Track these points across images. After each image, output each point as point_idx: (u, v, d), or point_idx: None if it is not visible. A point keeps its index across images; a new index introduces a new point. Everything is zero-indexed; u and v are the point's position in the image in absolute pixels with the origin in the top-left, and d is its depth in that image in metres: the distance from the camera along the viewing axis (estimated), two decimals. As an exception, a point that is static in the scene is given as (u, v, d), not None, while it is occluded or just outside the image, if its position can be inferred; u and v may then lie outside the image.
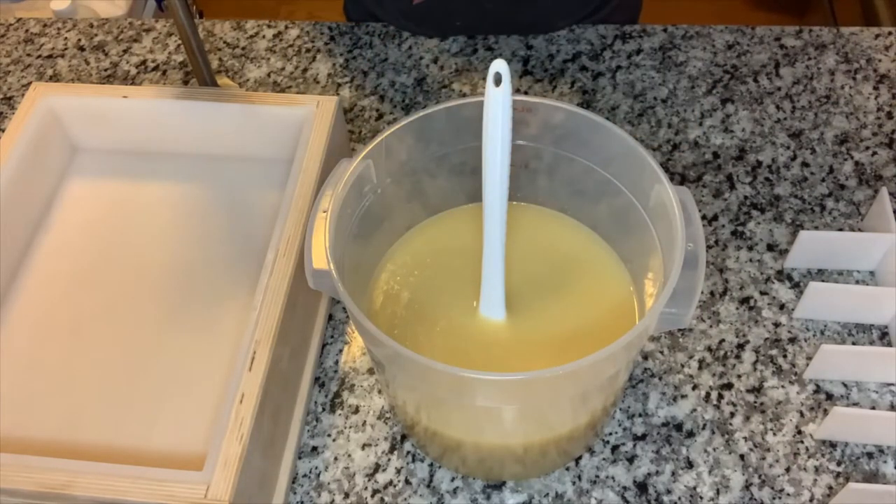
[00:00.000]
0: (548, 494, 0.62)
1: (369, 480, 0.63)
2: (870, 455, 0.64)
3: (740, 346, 0.69)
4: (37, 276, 0.72)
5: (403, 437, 0.65)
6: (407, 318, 0.62)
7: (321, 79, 0.91)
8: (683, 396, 0.67)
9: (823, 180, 0.80)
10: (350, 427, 0.66)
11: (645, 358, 0.69)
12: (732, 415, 0.66)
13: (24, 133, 0.73)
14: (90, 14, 1.49)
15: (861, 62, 0.89)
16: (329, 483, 0.63)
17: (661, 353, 0.69)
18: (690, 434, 0.65)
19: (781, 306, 0.72)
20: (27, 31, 0.98)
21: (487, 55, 0.91)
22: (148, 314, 0.69)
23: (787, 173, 0.80)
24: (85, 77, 0.92)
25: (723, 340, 0.70)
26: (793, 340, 0.70)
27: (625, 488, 0.63)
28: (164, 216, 0.75)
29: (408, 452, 0.65)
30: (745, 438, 0.65)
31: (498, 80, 0.51)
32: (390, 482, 0.63)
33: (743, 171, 0.81)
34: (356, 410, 0.67)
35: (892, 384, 0.67)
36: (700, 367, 0.68)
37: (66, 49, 0.96)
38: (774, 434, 0.65)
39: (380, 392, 0.68)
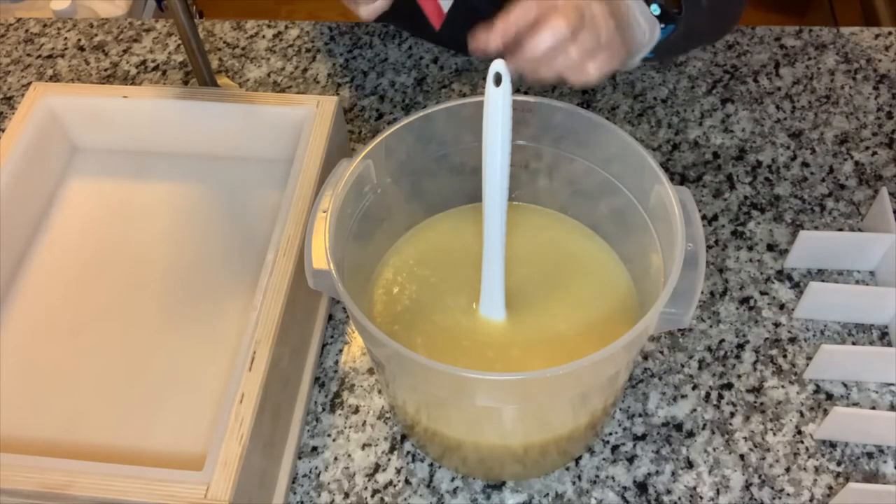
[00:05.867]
0: (548, 494, 0.62)
1: (369, 480, 0.63)
2: (870, 455, 0.64)
3: (740, 346, 0.69)
4: (37, 276, 0.72)
5: (403, 437, 0.65)
6: (407, 317, 0.62)
7: (321, 79, 0.91)
8: (683, 396, 0.67)
9: (823, 180, 0.80)
10: (350, 427, 0.66)
11: (645, 358, 0.69)
12: (732, 415, 0.66)
13: (24, 133, 0.73)
14: (90, 14, 1.49)
15: (861, 62, 0.89)
16: (329, 483, 0.63)
17: (661, 353, 0.69)
18: (690, 434, 0.65)
19: (781, 306, 0.72)
20: (27, 31, 0.98)
21: (487, 55, 0.91)
22: (148, 314, 0.69)
23: (787, 173, 0.80)
24: (85, 77, 0.92)
25: (723, 340, 0.70)
26: (793, 340, 0.70)
27: (625, 488, 0.63)
28: (164, 216, 0.75)
29: (408, 452, 0.65)
30: (745, 438, 0.65)
31: (498, 80, 0.51)
32: (390, 482, 0.63)
33: (743, 171, 0.81)
34: (356, 410, 0.67)
35: (892, 384, 0.67)
36: (700, 367, 0.68)
37: (66, 49, 0.96)
38: (774, 434, 0.65)
39: (380, 392, 0.68)
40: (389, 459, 0.64)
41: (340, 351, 0.70)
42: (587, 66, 0.53)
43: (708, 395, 0.67)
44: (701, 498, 0.62)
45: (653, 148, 0.83)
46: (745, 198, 0.79)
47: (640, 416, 0.66)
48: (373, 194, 0.60)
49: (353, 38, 0.94)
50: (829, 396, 0.67)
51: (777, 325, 0.71)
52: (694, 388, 0.67)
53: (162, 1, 1.56)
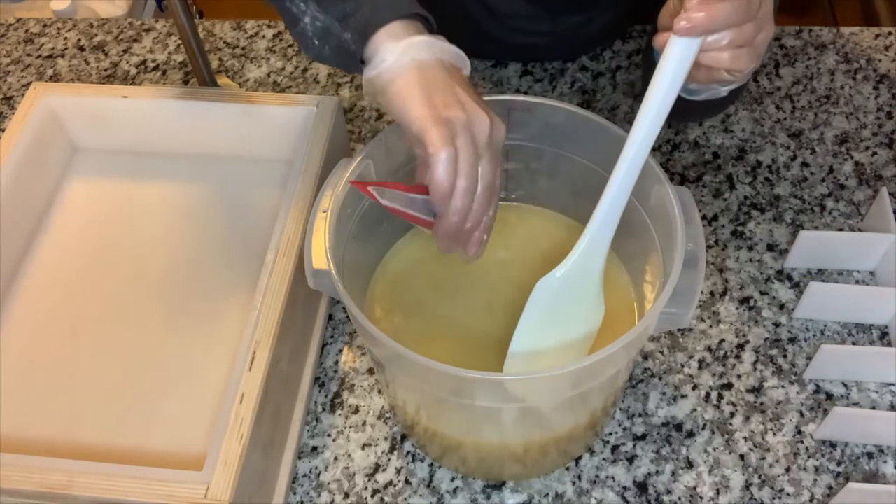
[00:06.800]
0: (548, 494, 0.62)
1: (369, 480, 0.63)
2: (870, 455, 0.64)
3: (740, 346, 0.69)
4: (37, 276, 0.72)
5: (403, 437, 0.65)
6: (407, 318, 0.62)
7: (321, 79, 0.91)
8: (683, 396, 0.67)
9: (823, 180, 0.80)
10: (350, 427, 0.66)
11: (645, 358, 0.69)
12: (732, 415, 0.66)
13: (24, 133, 0.73)
14: (90, 14, 1.49)
15: (861, 62, 0.89)
16: (329, 483, 0.63)
17: (661, 353, 0.69)
18: (690, 434, 0.65)
19: (781, 306, 0.72)
20: (27, 31, 0.98)
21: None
22: (148, 314, 0.69)
23: (787, 173, 0.80)
24: (85, 77, 0.92)
25: (723, 340, 0.70)
26: (793, 340, 0.70)
27: (625, 488, 0.63)
28: (164, 216, 0.75)
29: (408, 452, 0.65)
30: (745, 438, 0.65)
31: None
32: (390, 482, 0.63)
33: (743, 171, 0.81)
34: (356, 410, 0.67)
35: (892, 384, 0.67)
36: (700, 367, 0.68)
37: (66, 49, 0.96)
38: (774, 434, 0.65)
39: (380, 392, 0.68)
40: (389, 459, 0.64)
41: (340, 351, 0.70)
42: (723, 55, 0.50)
43: (708, 395, 0.67)
44: (701, 498, 0.62)
45: (653, 148, 0.82)
46: (745, 198, 0.79)
47: (640, 416, 0.66)
48: (373, 194, 0.60)
49: (353, 38, 0.94)
50: (829, 396, 0.67)
51: (777, 325, 0.71)
52: (694, 388, 0.67)
53: (162, 1, 1.56)
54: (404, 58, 0.52)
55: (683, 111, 0.60)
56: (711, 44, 0.49)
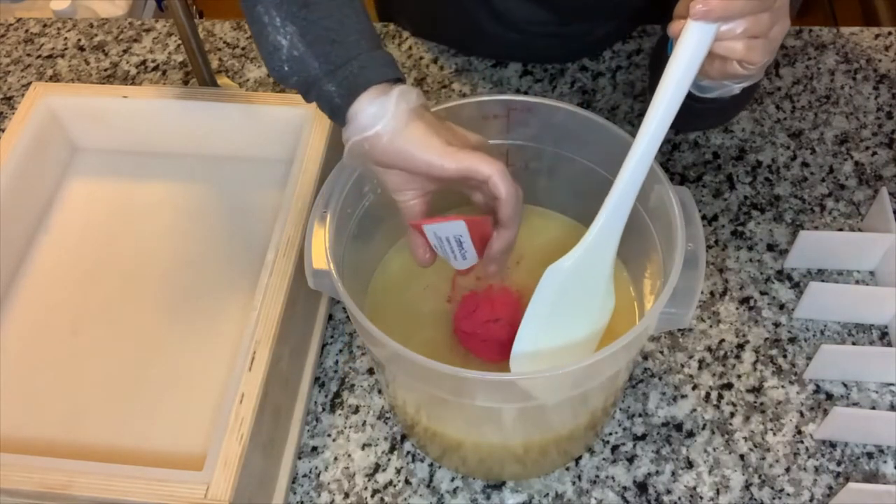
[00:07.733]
0: (548, 494, 0.62)
1: (369, 480, 0.63)
2: (870, 455, 0.64)
3: (740, 346, 0.69)
4: (37, 276, 0.72)
5: (403, 437, 0.65)
6: (407, 317, 0.62)
7: (321, 79, 0.90)
8: (683, 396, 0.67)
9: (823, 180, 0.80)
10: (350, 427, 0.66)
11: (645, 358, 0.69)
12: (732, 415, 0.66)
13: (24, 133, 0.73)
14: (90, 14, 1.49)
15: (861, 62, 0.89)
16: (329, 483, 0.63)
17: (661, 353, 0.69)
18: (690, 434, 0.65)
19: (781, 306, 0.72)
20: (27, 31, 0.98)
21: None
22: (148, 314, 0.69)
23: (787, 173, 0.80)
24: (85, 77, 0.92)
25: (723, 340, 0.70)
26: (793, 340, 0.70)
27: (625, 488, 0.63)
28: (164, 216, 0.75)
29: (408, 452, 0.65)
30: (745, 438, 0.65)
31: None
32: (390, 482, 0.63)
33: (743, 171, 0.81)
34: (356, 410, 0.67)
35: (892, 384, 0.67)
36: (700, 367, 0.68)
37: (66, 49, 0.96)
38: (774, 434, 0.65)
39: (380, 392, 0.68)
40: (389, 459, 0.64)
41: (340, 351, 0.70)
42: (738, 44, 0.50)
43: (708, 395, 0.67)
44: (701, 498, 0.62)
45: (653, 148, 0.82)
46: (745, 198, 0.79)
47: (640, 416, 0.66)
48: (373, 194, 0.60)
49: (353, 38, 0.94)
50: (829, 396, 0.67)
51: (777, 325, 0.71)
52: (694, 388, 0.67)
53: (162, 1, 1.56)
54: (399, 109, 0.51)
55: (697, 114, 0.60)
56: (726, 32, 0.49)
